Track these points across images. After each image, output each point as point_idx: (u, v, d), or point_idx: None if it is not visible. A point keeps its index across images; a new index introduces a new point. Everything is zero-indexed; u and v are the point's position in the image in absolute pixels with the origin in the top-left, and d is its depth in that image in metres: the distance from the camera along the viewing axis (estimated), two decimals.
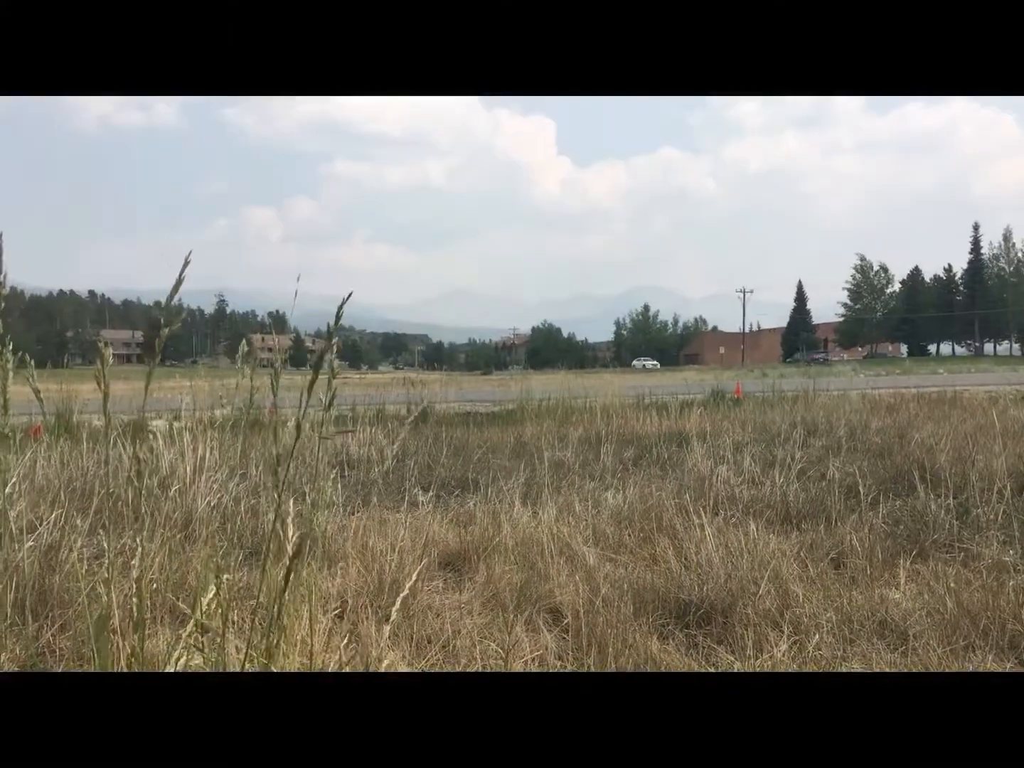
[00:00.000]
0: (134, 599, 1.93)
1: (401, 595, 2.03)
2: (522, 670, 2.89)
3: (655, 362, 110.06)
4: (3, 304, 2.27)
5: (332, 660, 2.60)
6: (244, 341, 4.51)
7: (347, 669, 2.58)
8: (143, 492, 2.85)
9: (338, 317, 1.96)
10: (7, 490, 3.17)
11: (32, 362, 2.38)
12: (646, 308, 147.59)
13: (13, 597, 2.92)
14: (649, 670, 2.86)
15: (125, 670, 1.94)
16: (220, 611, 2.02)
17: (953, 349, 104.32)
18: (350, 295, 2.01)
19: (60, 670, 2.68)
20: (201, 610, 1.79)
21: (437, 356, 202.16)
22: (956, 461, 6.10)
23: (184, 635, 1.76)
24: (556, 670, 2.94)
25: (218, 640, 2.04)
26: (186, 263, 1.90)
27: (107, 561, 2.14)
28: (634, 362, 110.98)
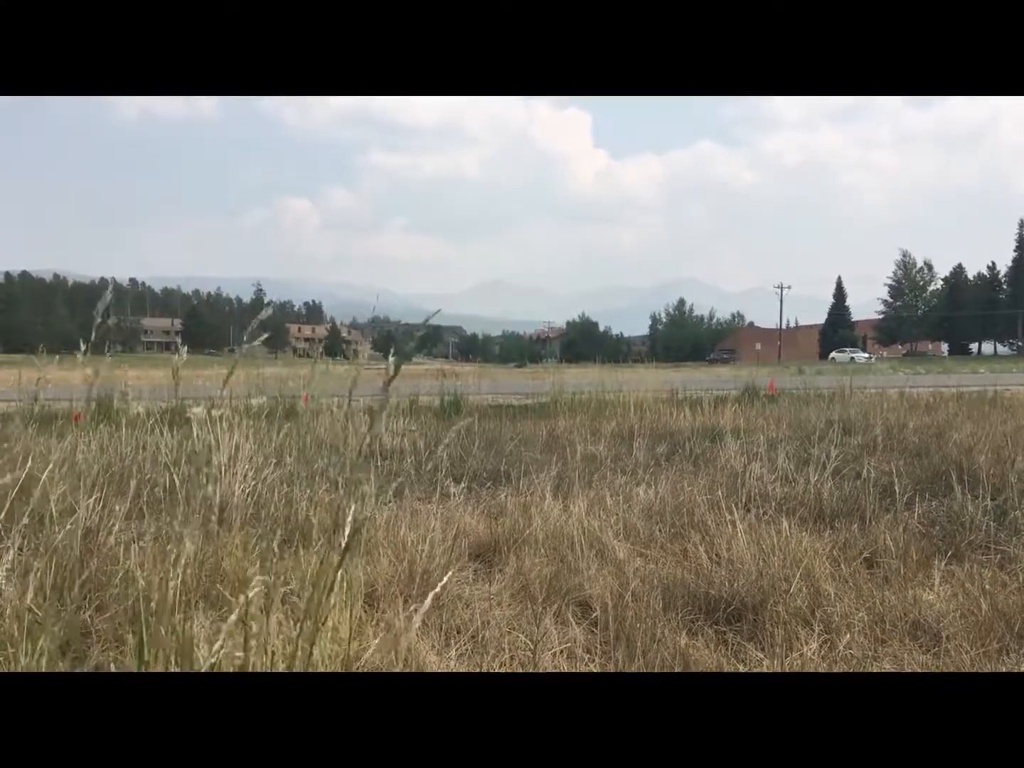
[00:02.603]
0: (171, 583, 1.97)
1: (432, 592, 2.04)
2: (549, 670, 2.89)
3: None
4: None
5: (362, 647, 2.63)
6: (255, 357, 4.54)
7: (375, 657, 2.61)
8: (178, 478, 2.89)
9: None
10: (47, 473, 3.25)
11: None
12: (682, 302, 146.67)
13: (53, 579, 2.99)
14: (675, 671, 2.85)
15: (151, 671, 1.97)
16: (261, 604, 2.05)
17: (995, 348, 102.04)
18: (379, 295, 2.04)
19: (75, 671, 2.72)
20: (247, 600, 1.82)
21: (472, 348, 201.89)
22: (995, 462, 6.00)
23: (225, 627, 1.80)
24: (578, 671, 2.95)
25: (255, 630, 2.07)
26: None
27: (146, 545, 2.18)
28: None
